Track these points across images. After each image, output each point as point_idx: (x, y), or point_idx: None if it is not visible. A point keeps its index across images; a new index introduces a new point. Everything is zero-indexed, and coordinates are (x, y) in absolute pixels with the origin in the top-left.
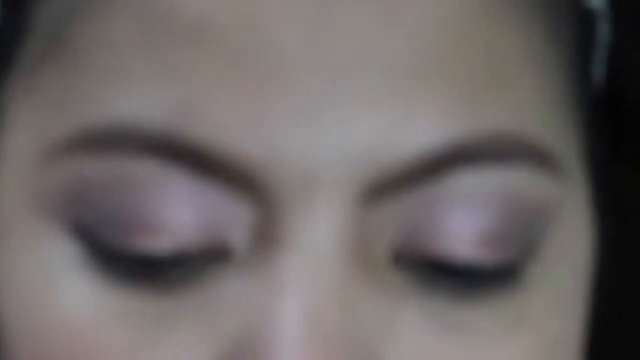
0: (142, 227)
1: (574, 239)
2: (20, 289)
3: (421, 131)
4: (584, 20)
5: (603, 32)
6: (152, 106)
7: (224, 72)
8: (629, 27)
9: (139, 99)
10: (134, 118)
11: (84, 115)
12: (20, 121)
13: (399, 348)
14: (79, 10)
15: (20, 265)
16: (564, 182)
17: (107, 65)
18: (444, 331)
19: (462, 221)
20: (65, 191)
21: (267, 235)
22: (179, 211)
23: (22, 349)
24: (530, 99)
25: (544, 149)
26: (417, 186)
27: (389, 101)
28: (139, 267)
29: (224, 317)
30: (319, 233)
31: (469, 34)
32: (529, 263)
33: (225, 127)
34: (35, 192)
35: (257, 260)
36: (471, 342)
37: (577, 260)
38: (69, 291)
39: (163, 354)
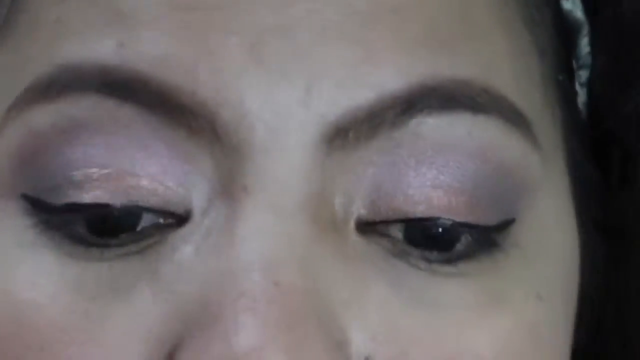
0: (93, 175)
1: (554, 225)
2: None
3: (384, 74)
4: (564, 27)
5: (584, 45)
6: (96, 46)
7: (170, 10)
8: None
9: (83, 42)
10: (78, 59)
11: (35, 70)
12: None
13: (364, 316)
14: None
15: None
16: (540, 152)
17: (57, 19)
18: (413, 304)
19: (430, 177)
20: (16, 156)
21: (228, 182)
22: (132, 157)
23: None
24: (502, 60)
25: (515, 106)
26: (382, 131)
27: (351, 43)
28: (93, 233)
29: (181, 277)
30: (283, 177)
31: None
32: (504, 240)
33: (171, 61)
34: None
35: (217, 216)
36: (441, 317)
37: (558, 248)
38: (23, 267)
39: (121, 320)
